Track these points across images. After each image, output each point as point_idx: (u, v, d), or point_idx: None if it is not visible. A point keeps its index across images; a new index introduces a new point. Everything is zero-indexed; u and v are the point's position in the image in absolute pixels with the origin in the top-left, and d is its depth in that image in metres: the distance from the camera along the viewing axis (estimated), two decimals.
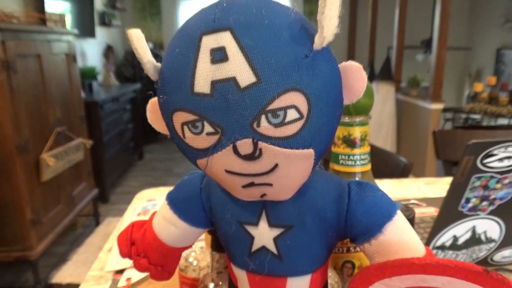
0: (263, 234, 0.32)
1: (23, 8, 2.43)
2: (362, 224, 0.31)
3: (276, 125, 0.25)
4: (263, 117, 0.25)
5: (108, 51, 4.14)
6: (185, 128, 0.27)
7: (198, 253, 0.48)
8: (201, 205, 0.35)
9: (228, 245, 0.35)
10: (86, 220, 2.68)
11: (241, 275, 0.34)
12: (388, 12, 4.18)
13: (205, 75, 0.25)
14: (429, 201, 0.88)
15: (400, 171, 1.11)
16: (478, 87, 3.09)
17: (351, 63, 0.28)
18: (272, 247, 0.32)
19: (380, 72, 3.59)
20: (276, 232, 0.31)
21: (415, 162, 3.14)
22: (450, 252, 0.60)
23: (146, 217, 0.85)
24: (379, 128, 3.49)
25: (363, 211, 0.31)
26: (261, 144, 0.26)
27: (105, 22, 4.02)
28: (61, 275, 2.01)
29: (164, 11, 4.83)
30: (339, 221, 0.31)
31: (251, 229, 0.32)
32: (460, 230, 0.58)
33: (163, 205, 0.37)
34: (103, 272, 0.66)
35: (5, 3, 2.24)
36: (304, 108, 0.25)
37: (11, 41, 1.65)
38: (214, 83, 0.25)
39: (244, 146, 0.26)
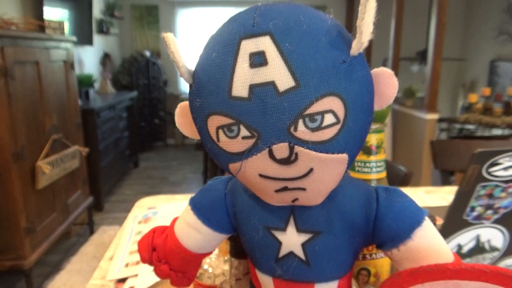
0: (291, 240, 0.31)
1: (22, 15, 2.43)
2: (391, 230, 0.30)
3: (313, 130, 0.25)
4: (300, 121, 0.25)
5: (105, 59, 4.14)
6: (220, 131, 0.27)
7: (213, 260, 0.48)
8: (225, 210, 0.35)
9: (254, 251, 0.34)
10: (80, 228, 2.65)
11: (267, 281, 0.34)
12: (384, 24, 4.24)
13: (243, 79, 0.25)
14: (430, 210, 0.88)
15: (400, 180, 1.11)
16: (473, 98, 3.13)
17: (383, 70, 0.28)
18: (300, 252, 0.32)
19: None
20: (304, 237, 0.31)
21: (411, 170, 3.14)
22: None
23: (147, 225, 0.85)
24: None
25: (392, 216, 0.31)
26: (297, 149, 0.26)
27: (103, 30, 4.03)
28: (55, 285, 1.98)
29: (162, 20, 4.86)
30: (367, 226, 0.31)
31: (279, 235, 0.32)
32: (465, 238, 0.58)
33: (185, 210, 0.37)
34: (104, 281, 0.65)
35: (4, 9, 2.24)
36: (341, 113, 0.26)
37: (10, 48, 1.65)
38: (252, 87, 0.25)
39: (280, 150, 0.26)
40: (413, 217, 0.31)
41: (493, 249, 0.60)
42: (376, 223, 0.31)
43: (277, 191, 0.28)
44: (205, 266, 0.47)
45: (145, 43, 4.84)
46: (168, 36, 0.28)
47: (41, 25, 2.17)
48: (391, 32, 3.51)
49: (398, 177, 1.12)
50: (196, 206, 0.36)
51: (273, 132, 0.25)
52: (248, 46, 0.25)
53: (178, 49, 0.28)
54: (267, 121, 0.25)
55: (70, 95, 2.33)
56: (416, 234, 0.30)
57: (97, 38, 3.94)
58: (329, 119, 0.25)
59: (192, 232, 0.36)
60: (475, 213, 0.55)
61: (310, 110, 0.25)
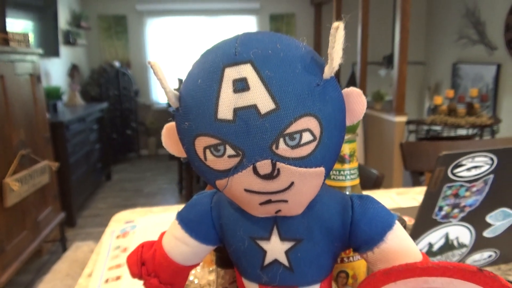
0: (275, 248, 0.34)
1: None
2: (365, 234, 0.33)
3: (292, 147, 0.28)
4: (281, 140, 0.28)
5: (73, 70, 4.05)
6: (207, 151, 0.29)
7: (199, 271, 0.49)
8: (211, 223, 0.37)
9: (240, 260, 0.36)
10: (52, 246, 2.56)
11: None
12: (351, 30, 4.35)
13: (228, 103, 0.28)
14: (402, 211, 0.92)
15: (372, 183, 1.14)
16: (438, 100, 3.25)
17: (353, 89, 0.32)
18: (284, 260, 0.34)
19: (345, 87, 3.71)
20: (287, 245, 0.34)
21: (382, 172, 3.23)
22: None
23: (125, 240, 0.84)
24: None
25: (366, 221, 0.33)
26: (279, 165, 0.28)
27: (69, 41, 3.94)
28: None
29: (131, 30, 4.80)
30: (344, 232, 0.34)
31: (264, 244, 0.34)
32: (435, 237, 0.61)
33: (173, 224, 0.39)
34: None
35: None
36: (317, 131, 0.28)
37: None
38: (236, 110, 0.27)
39: (264, 166, 0.28)
40: (384, 221, 0.33)
41: (462, 245, 0.63)
42: (352, 228, 0.33)
43: (261, 203, 0.31)
44: (191, 278, 0.49)
45: (114, 54, 4.77)
46: (155, 64, 0.30)
47: (4, 37, 2.11)
48: (358, 37, 3.61)
49: (370, 180, 1.16)
50: (183, 220, 0.38)
51: (257, 151, 0.28)
52: (231, 73, 0.28)
53: (164, 76, 0.30)
54: (250, 140, 0.28)
55: (38, 109, 2.26)
56: (388, 237, 0.33)
57: (64, 50, 3.85)
58: (306, 137, 0.28)
59: (180, 245, 0.37)
60: (443, 212, 0.58)
61: (289, 130, 0.27)
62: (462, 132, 3.36)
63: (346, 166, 0.47)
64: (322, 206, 0.34)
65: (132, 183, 3.97)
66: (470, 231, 0.62)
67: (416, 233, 0.59)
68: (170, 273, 0.38)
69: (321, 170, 0.30)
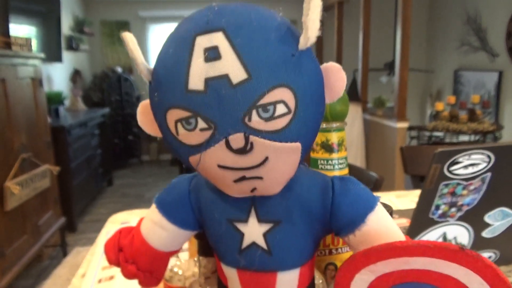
0: (253, 230, 0.33)
1: None
2: (346, 216, 0.32)
3: (266, 119, 0.27)
4: (254, 112, 0.26)
5: (76, 75, 4.07)
6: (179, 125, 0.28)
7: (183, 263, 0.48)
8: (190, 207, 0.35)
9: (218, 244, 0.35)
10: (52, 251, 2.55)
11: (231, 274, 0.35)
12: (353, 37, 4.37)
13: (199, 73, 0.26)
14: (401, 213, 0.91)
15: (372, 186, 1.14)
16: (439, 106, 3.25)
17: (332, 64, 0.30)
18: (262, 242, 0.33)
19: (347, 94, 3.71)
20: (265, 227, 0.32)
21: (384, 177, 3.22)
22: None
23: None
24: (349, 147, 3.57)
25: (347, 203, 0.32)
26: (252, 138, 0.27)
27: (72, 46, 3.97)
28: None
29: (133, 35, 4.82)
30: (325, 214, 0.33)
31: (241, 226, 0.33)
32: (432, 236, 0.60)
33: (151, 209, 0.37)
34: None
35: None
36: (292, 103, 0.27)
37: None
38: (207, 80, 0.26)
39: (236, 140, 0.27)
40: (366, 203, 0.32)
41: (460, 245, 0.62)
42: (333, 210, 0.32)
43: (235, 181, 0.29)
44: (175, 269, 0.48)
45: (116, 59, 4.79)
46: (126, 35, 0.30)
47: (7, 42, 2.12)
48: (359, 44, 3.62)
49: (370, 183, 1.15)
50: (161, 203, 0.36)
51: (229, 123, 0.27)
52: (202, 42, 0.27)
53: (137, 47, 0.30)
54: (222, 112, 0.26)
55: (39, 113, 2.27)
56: (369, 218, 0.32)
57: (66, 55, 3.87)
58: (280, 109, 0.27)
59: (158, 230, 0.36)
60: (440, 211, 0.57)
61: (262, 101, 0.26)
62: (464, 138, 3.35)
63: (334, 155, 0.46)
64: (302, 186, 0.33)
65: (133, 188, 3.97)
66: (468, 231, 0.61)
67: (412, 232, 0.58)
68: (148, 259, 0.37)
69: (297, 145, 0.28)
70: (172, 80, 0.28)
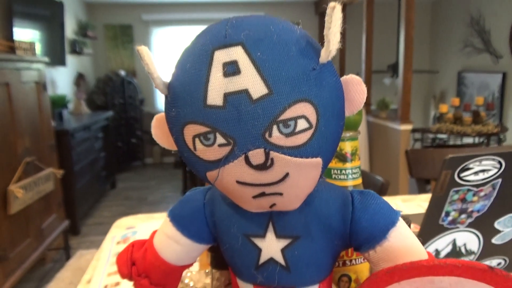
0: (271, 246, 0.32)
1: None
2: (366, 231, 0.31)
3: (287, 135, 0.26)
4: (274, 127, 0.26)
5: (79, 79, 4.09)
6: (197, 140, 0.28)
7: (194, 274, 0.48)
8: (204, 220, 0.35)
9: (234, 260, 0.34)
10: (56, 254, 2.55)
11: None
12: (356, 39, 4.36)
13: (218, 88, 0.26)
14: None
15: (378, 190, 1.13)
16: (443, 108, 3.23)
17: (352, 77, 0.30)
18: (280, 258, 0.32)
19: None
20: (283, 243, 0.32)
21: (388, 180, 3.20)
22: None
23: (126, 246, 0.83)
24: None
25: (367, 218, 0.31)
26: (273, 154, 0.26)
27: (76, 50, 3.98)
28: None
29: (136, 39, 4.84)
30: (344, 229, 0.32)
31: (258, 241, 0.32)
32: (442, 243, 0.59)
33: (164, 222, 0.36)
34: None
35: None
36: (313, 118, 0.27)
37: None
38: (226, 96, 0.26)
39: (256, 156, 0.26)
40: (387, 218, 0.31)
41: (469, 252, 0.61)
42: (353, 225, 0.32)
43: (254, 197, 0.29)
44: (186, 280, 0.48)
45: (119, 63, 4.81)
46: (142, 49, 0.29)
47: (11, 46, 2.13)
48: (362, 46, 3.61)
49: (375, 187, 1.14)
50: (175, 217, 0.36)
51: (249, 139, 0.26)
52: (221, 56, 0.26)
53: (152, 61, 0.29)
54: (242, 128, 0.26)
55: (43, 117, 2.27)
56: (391, 234, 0.31)
57: (70, 59, 3.88)
58: (302, 124, 0.26)
59: (172, 244, 0.35)
60: (450, 218, 0.57)
61: (283, 116, 0.26)
62: (468, 140, 3.33)
63: (348, 165, 0.45)
64: (321, 201, 0.32)
65: (136, 191, 3.97)
66: (478, 237, 0.60)
67: (422, 239, 0.58)
68: (161, 273, 0.36)
69: (318, 160, 0.28)
70: (190, 95, 0.27)
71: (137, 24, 4.84)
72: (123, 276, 0.37)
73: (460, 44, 4.39)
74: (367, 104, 3.65)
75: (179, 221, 0.36)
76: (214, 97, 0.26)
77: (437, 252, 0.60)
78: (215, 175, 0.28)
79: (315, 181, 0.30)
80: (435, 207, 0.55)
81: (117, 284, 0.67)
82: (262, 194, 0.28)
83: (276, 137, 0.26)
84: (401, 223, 0.32)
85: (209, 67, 0.26)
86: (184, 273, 0.47)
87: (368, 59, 3.61)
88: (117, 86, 4.49)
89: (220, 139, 0.27)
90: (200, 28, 0.30)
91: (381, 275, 0.29)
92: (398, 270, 0.28)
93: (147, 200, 3.67)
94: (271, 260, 0.32)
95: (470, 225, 0.58)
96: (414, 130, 3.32)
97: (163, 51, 4.87)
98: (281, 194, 0.28)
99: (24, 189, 1.90)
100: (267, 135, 0.26)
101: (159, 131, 0.32)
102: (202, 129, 0.27)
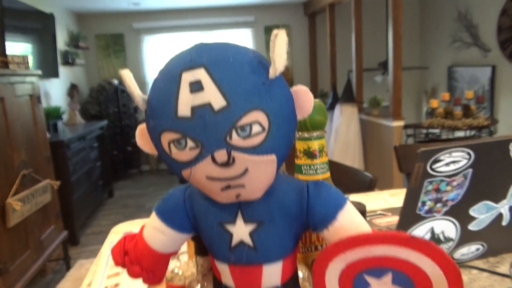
0: (240, 230, 0.38)
1: None
2: (320, 214, 0.37)
3: (244, 138, 0.32)
4: (233, 132, 0.32)
5: (73, 90, 4.11)
6: (172, 145, 0.33)
7: (183, 264, 0.53)
8: (185, 213, 0.41)
9: (211, 244, 0.40)
10: (56, 265, 2.57)
11: (223, 269, 0.40)
12: (346, 38, 4.41)
13: (186, 102, 0.32)
14: (394, 211, 0.94)
15: (367, 186, 1.16)
16: (434, 103, 3.28)
17: (300, 87, 0.36)
18: (248, 240, 0.38)
19: (342, 95, 3.74)
20: (250, 227, 0.38)
21: (382, 176, 3.24)
22: None
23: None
24: (347, 148, 3.60)
25: (320, 203, 0.37)
26: (234, 153, 0.32)
27: (68, 61, 4.00)
28: None
29: (128, 47, 4.87)
30: (302, 213, 0.38)
31: (230, 227, 0.38)
32: (420, 232, 0.62)
33: (151, 216, 0.43)
34: None
35: None
36: (265, 123, 0.32)
37: None
38: (193, 108, 0.32)
39: (220, 156, 0.32)
40: (336, 202, 0.38)
41: (448, 239, 0.65)
42: (308, 210, 0.38)
43: (222, 189, 0.34)
44: (176, 270, 0.52)
45: (112, 72, 4.83)
46: (124, 72, 0.35)
47: (4, 60, 2.15)
48: (352, 45, 3.66)
49: (364, 183, 1.18)
50: (160, 212, 0.42)
51: (213, 142, 0.32)
52: (187, 77, 0.32)
53: (133, 82, 0.35)
54: (207, 133, 0.32)
55: (38, 129, 2.29)
56: (340, 215, 0.37)
57: (62, 70, 3.91)
58: (256, 128, 0.32)
59: (159, 234, 0.42)
60: (426, 207, 0.60)
61: (240, 123, 0.32)
62: (460, 134, 3.37)
63: (316, 161, 0.50)
64: (281, 192, 0.38)
65: (134, 199, 3.98)
66: (455, 224, 0.63)
67: (401, 228, 0.61)
68: (150, 260, 0.42)
69: (272, 157, 0.34)
70: (164, 108, 0.33)
71: (128, 32, 4.87)
72: (117, 264, 0.42)
73: (449, 39, 4.45)
74: (359, 102, 3.69)
75: (164, 215, 0.42)
76: (183, 109, 0.32)
77: None
78: (188, 173, 0.34)
79: (272, 175, 0.35)
80: (411, 198, 0.58)
81: (117, 285, 0.69)
82: (228, 187, 0.34)
83: (236, 139, 0.32)
84: (348, 206, 0.38)
85: (178, 86, 0.32)
86: (174, 264, 0.53)
87: (359, 58, 3.66)
88: (111, 95, 4.51)
89: (190, 143, 0.32)
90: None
91: (330, 248, 0.35)
92: (342, 242, 0.34)
93: (145, 207, 3.69)
94: (241, 242, 0.38)
95: (446, 213, 0.61)
96: (406, 126, 3.35)
97: (155, 58, 4.90)
98: (243, 186, 0.34)
99: (22, 201, 1.92)
100: (228, 138, 0.32)
101: (142, 139, 0.38)
102: (175, 135, 0.33)
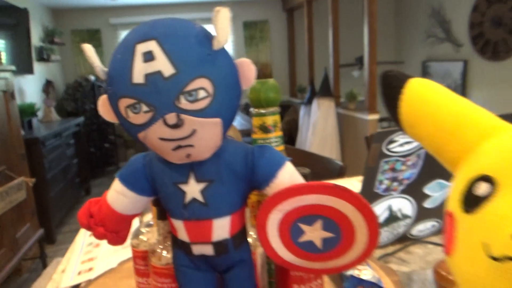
0: (193, 189, 0.42)
1: None
2: (263, 173, 0.42)
3: (191, 102, 0.36)
4: (182, 97, 0.35)
5: (48, 86, 4.02)
6: (128, 110, 0.37)
7: (147, 232, 0.57)
8: (145, 177, 0.45)
9: (167, 203, 0.45)
10: (32, 263, 2.53)
11: (179, 225, 0.44)
12: (323, 34, 4.46)
13: (139, 70, 0.35)
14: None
15: (337, 172, 1.20)
16: None
17: (243, 59, 0.40)
18: (200, 197, 0.42)
19: (320, 90, 3.79)
20: (202, 186, 0.42)
21: (358, 167, 3.31)
22: None
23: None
24: (324, 141, 3.66)
25: (262, 163, 0.42)
26: (183, 116, 0.36)
27: (43, 57, 3.92)
28: None
29: (105, 43, 4.80)
30: (247, 173, 0.42)
31: (183, 186, 0.42)
32: (379, 209, 0.66)
33: (114, 182, 0.47)
34: None
35: None
36: (210, 89, 0.36)
37: None
38: (146, 76, 0.35)
39: (171, 118, 0.36)
40: (277, 162, 0.42)
41: (405, 216, 0.68)
42: (253, 170, 0.42)
43: (173, 149, 0.38)
44: (141, 236, 0.57)
45: (89, 68, 4.75)
46: (85, 46, 0.39)
47: None
48: (329, 41, 3.71)
49: (335, 170, 1.22)
50: (122, 177, 0.46)
51: (165, 106, 0.36)
52: (141, 48, 0.36)
53: (94, 55, 0.39)
54: (159, 98, 0.36)
55: (12, 126, 2.25)
56: (280, 173, 0.41)
57: (37, 66, 3.82)
58: (202, 93, 0.36)
59: (121, 197, 0.46)
60: (383, 186, 0.63)
61: (187, 88, 0.35)
62: None
63: (270, 135, 0.54)
64: (229, 153, 0.42)
65: None
66: (411, 202, 0.67)
67: None
68: (114, 222, 0.46)
69: (218, 120, 0.38)
70: (120, 77, 0.36)
71: (105, 28, 4.80)
72: (83, 226, 0.46)
73: (423, 34, 4.56)
74: (337, 96, 3.75)
75: (125, 179, 0.45)
76: (138, 77, 0.36)
77: None
78: (143, 135, 0.38)
79: (218, 136, 0.39)
80: (369, 177, 0.62)
81: (90, 269, 0.71)
82: (179, 147, 0.38)
83: (184, 103, 0.36)
84: (287, 166, 0.42)
85: (132, 56, 0.36)
86: (139, 233, 0.57)
87: (336, 53, 3.71)
88: (87, 91, 4.44)
89: (144, 107, 0.36)
90: None
91: (268, 199, 0.39)
92: (278, 194, 0.39)
93: None
94: (194, 200, 0.42)
95: (402, 192, 0.65)
96: (382, 119, 3.44)
97: None
98: (192, 145, 0.38)
99: None
100: (177, 102, 0.35)
101: (104, 108, 0.41)
102: (131, 101, 0.36)
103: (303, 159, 1.41)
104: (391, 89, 0.38)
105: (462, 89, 3.97)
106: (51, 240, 2.83)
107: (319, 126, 3.61)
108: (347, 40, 4.70)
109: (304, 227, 0.40)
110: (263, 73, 5.16)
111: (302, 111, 4.11)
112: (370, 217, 0.38)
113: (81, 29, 4.75)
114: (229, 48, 5.08)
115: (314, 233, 0.40)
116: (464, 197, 0.28)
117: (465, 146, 0.32)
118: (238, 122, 3.78)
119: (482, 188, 0.27)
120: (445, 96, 0.37)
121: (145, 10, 4.80)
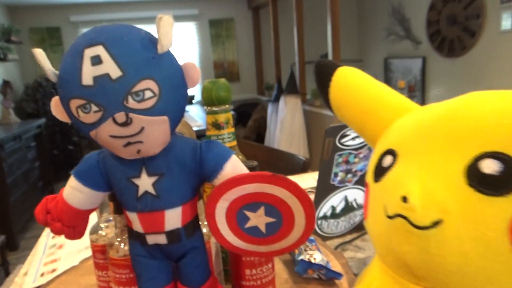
0: (145, 182, 0.45)
1: None
2: (210, 166, 0.45)
3: (139, 101, 0.38)
4: (129, 97, 0.38)
5: (5, 87, 3.86)
6: (79, 110, 0.39)
7: (106, 228, 0.59)
8: (99, 173, 0.47)
9: (122, 196, 0.47)
10: None
11: (133, 217, 0.46)
12: (289, 32, 4.52)
13: (88, 73, 0.38)
14: None
15: (301, 167, 1.24)
16: None
17: (188, 62, 0.43)
18: (152, 190, 0.45)
19: (286, 87, 3.85)
20: (153, 179, 0.44)
21: (308, 159, 3.39)
22: (332, 220, 0.71)
23: (61, 237, 0.86)
24: (292, 138, 3.72)
25: (210, 157, 0.45)
26: (131, 115, 0.38)
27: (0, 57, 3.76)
28: None
29: (66, 41, 4.65)
30: (196, 166, 0.45)
31: (136, 180, 0.45)
32: (336, 200, 0.69)
33: (70, 179, 0.48)
34: None
35: None
36: (156, 89, 0.39)
37: None
38: (95, 78, 0.37)
39: (120, 117, 0.38)
40: (223, 155, 0.45)
41: (360, 206, 0.73)
42: (201, 163, 0.45)
43: (124, 146, 0.41)
44: (100, 231, 0.59)
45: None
46: (36, 51, 0.41)
47: None
48: (294, 39, 3.77)
49: (298, 165, 1.25)
50: (77, 173, 0.48)
51: (113, 106, 0.38)
52: (89, 52, 0.38)
53: (45, 59, 0.41)
54: (108, 99, 0.38)
55: None
56: (226, 166, 0.44)
57: None
58: (148, 94, 0.39)
59: (76, 193, 0.47)
60: (338, 178, 0.67)
61: (134, 89, 0.38)
62: None
63: (223, 131, 0.57)
64: (178, 149, 0.45)
65: None
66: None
67: (319, 197, 0.68)
68: (71, 217, 0.48)
69: (165, 118, 0.41)
70: (70, 79, 0.39)
71: (65, 26, 4.65)
72: (40, 222, 0.48)
73: (384, 32, 4.70)
74: (303, 94, 3.82)
75: (80, 175, 0.47)
76: (86, 79, 0.38)
77: (333, 208, 0.71)
78: (94, 133, 0.40)
79: (166, 132, 0.42)
80: (325, 170, 0.65)
81: (54, 270, 0.70)
82: (129, 143, 0.40)
83: (132, 103, 0.38)
84: (233, 158, 0.45)
85: (81, 60, 0.38)
86: (98, 228, 0.59)
87: (301, 51, 3.77)
88: (49, 91, 4.29)
89: (94, 108, 0.38)
90: None
91: (215, 190, 0.42)
92: (223, 184, 0.42)
93: None
94: (146, 193, 0.44)
95: (356, 183, 0.69)
96: None
97: None
98: (142, 142, 0.40)
99: None
100: (125, 102, 0.38)
101: (56, 109, 0.43)
102: (81, 101, 0.38)
103: (267, 156, 1.44)
104: (322, 76, 0.43)
105: (422, 84, 4.14)
106: (13, 247, 2.73)
107: (286, 123, 3.66)
108: (313, 37, 4.79)
109: (249, 213, 0.43)
110: (229, 71, 5.16)
111: (270, 108, 4.16)
112: (307, 202, 0.41)
113: (40, 27, 4.58)
114: (195, 46, 5.06)
115: (258, 219, 0.43)
116: (375, 168, 0.33)
117: (381, 125, 0.37)
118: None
119: (387, 160, 0.32)
120: (366, 82, 0.42)
121: (107, 7, 4.69)
